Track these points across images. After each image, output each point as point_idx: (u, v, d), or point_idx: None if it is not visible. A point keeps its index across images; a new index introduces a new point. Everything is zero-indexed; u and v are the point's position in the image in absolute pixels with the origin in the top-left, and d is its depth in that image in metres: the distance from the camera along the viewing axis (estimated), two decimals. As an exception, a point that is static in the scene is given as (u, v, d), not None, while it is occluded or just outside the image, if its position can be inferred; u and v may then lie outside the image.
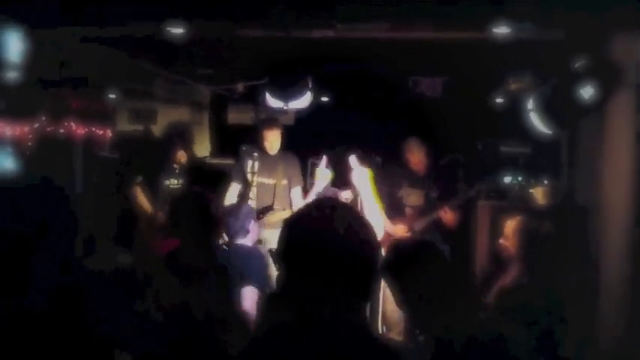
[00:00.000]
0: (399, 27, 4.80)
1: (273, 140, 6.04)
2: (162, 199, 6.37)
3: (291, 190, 6.11)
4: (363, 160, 5.67)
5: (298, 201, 6.03)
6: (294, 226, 1.92)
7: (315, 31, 4.91)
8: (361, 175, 5.48)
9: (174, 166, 6.65)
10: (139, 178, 6.55)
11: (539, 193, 6.42)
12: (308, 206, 2.02)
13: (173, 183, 6.59)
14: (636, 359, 4.18)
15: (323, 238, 1.82)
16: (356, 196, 6.05)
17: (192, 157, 6.96)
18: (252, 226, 4.50)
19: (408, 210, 6.06)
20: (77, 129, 6.79)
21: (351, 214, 1.93)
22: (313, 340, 1.74)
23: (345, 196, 5.96)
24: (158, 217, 6.32)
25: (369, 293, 1.86)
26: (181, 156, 6.69)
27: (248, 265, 4.11)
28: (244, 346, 1.81)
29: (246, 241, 4.40)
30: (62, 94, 6.51)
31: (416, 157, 6.07)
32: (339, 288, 1.79)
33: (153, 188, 6.55)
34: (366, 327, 1.86)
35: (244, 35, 5.01)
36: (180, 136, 7.09)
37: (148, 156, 7.06)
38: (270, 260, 4.27)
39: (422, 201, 6.08)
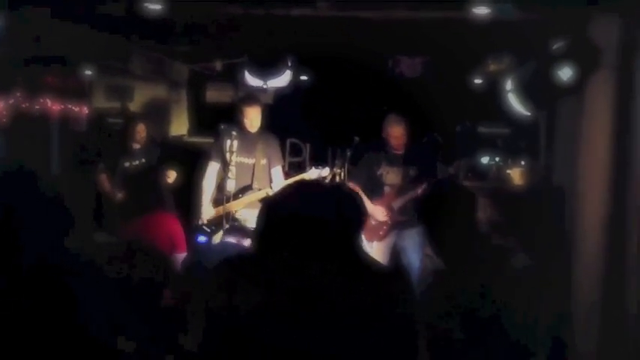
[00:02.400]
0: (380, 5, 4.78)
1: (253, 117, 5.98)
2: (119, 180, 6.31)
3: (271, 170, 6.08)
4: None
5: (279, 180, 6.01)
6: (273, 207, 1.91)
7: (295, 9, 4.87)
8: None
9: (135, 145, 6.50)
10: (102, 166, 6.46)
11: (516, 174, 6.47)
12: (288, 187, 2.02)
13: (133, 163, 6.44)
14: (610, 335, 4.24)
15: (303, 220, 1.83)
16: (334, 173, 6.05)
17: (152, 131, 6.74)
18: None
19: (386, 189, 6.06)
20: (53, 106, 6.70)
21: (333, 196, 1.94)
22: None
23: (323, 173, 5.96)
24: (115, 198, 6.26)
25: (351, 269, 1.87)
26: (141, 130, 6.51)
27: None
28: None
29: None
30: (37, 71, 6.42)
31: (395, 131, 6.06)
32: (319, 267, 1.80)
33: (115, 172, 6.43)
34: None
35: (224, 12, 4.96)
36: (140, 112, 6.99)
37: (108, 142, 6.94)
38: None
39: (400, 180, 6.09)
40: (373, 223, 5.95)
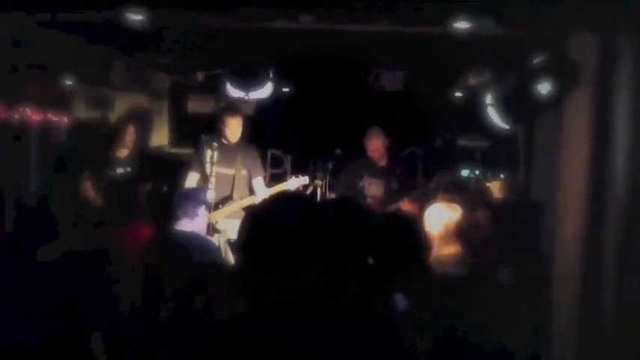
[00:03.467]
0: (361, 20, 4.81)
1: (234, 127, 6.00)
2: (102, 188, 6.29)
3: (253, 181, 6.08)
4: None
5: (261, 191, 6.00)
6: (257, 219, 1.91)
7: (277, 21, 4.88)
8: None
9: (123, 151, 6.47)
10: (87, 173, 6.42)
11: (495, 187, 6.50)
12: (272, 199, 2.02)
13: (119, 172, 6.41)
14: (588, 348, 4.27)
15: (286, 231, 1.82)
16: (313, 182, 6.07)
17: (141, 137, 6.72)
18: (201, 211, 4.41)
19: (369, 200, 6.09)
20: (32, 115, 6.64)
21: (319, 207, 1.95)
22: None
23: (302, 183, 5.99)
24: (96, 205, 6.23)
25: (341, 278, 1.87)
26: (130, 132, 6.49)
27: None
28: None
29: (192, 226, 4.27)
30: (17, 80, 6.37)
31: (375, 144, 6.11)
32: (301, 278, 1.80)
33: (100, 180, 6.41)
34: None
35: (206, 24, 4.96)
36: (130, 116, 7.02)
37: (94, 150, 6.90)
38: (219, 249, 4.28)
39: (382, 192, 6.12)
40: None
